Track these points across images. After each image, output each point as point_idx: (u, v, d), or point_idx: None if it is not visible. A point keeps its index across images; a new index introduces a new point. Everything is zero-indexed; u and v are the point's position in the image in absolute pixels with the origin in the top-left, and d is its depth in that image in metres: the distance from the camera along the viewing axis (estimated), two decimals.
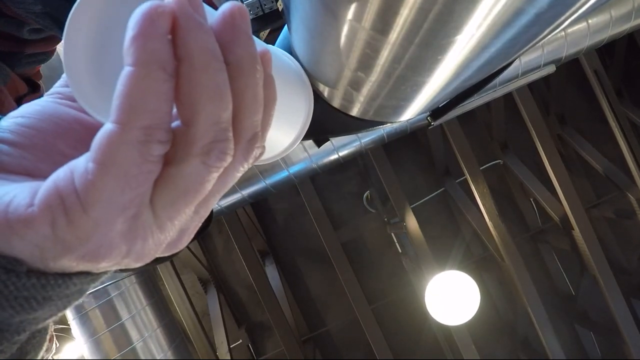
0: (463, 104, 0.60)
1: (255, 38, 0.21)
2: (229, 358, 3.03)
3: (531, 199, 3.75)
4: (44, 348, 0.21)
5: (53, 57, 0.55)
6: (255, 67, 0.19)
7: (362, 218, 3.95)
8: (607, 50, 3.48)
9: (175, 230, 0.20)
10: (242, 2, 1.44)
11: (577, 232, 2.59)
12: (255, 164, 0.22)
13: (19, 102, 0.49)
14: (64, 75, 0.24)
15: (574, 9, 0.25)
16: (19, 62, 0.49)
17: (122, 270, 0.22)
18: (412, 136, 3.80)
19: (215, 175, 0.19)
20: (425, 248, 2.73)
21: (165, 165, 0.18)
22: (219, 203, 1.94)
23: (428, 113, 0.56)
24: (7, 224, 0.16)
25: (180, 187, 0.18)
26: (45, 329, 0.20)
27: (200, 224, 0.22)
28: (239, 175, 0.21)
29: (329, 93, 0.44)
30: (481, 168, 2.76)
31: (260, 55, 0.20)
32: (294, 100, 0.38)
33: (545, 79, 2.12)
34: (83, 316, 1.88)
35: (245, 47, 0.18)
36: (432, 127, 2.62)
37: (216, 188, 0.20)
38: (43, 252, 0.16)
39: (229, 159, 0.19)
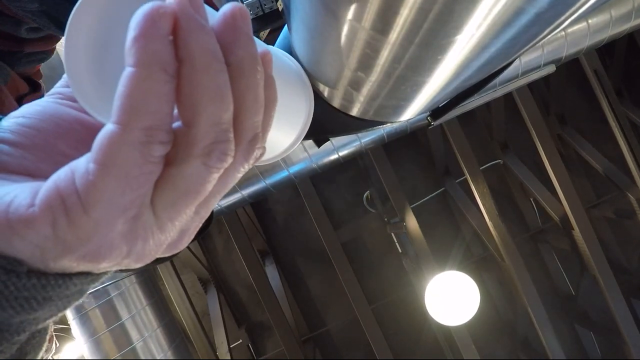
0: (463, 104, 0.60)
1: (255, 39, 0.21)
2: (229, 358, 3.03)
3: (531, 199, 3.75)
4: (44, 348, 0.21)
5: (53, 57, 0.55)
6: (256, 68, 0.19)
7: (362, 218, 3.95)
8: (607, 50, 3.48)
9: (176, 230, 0.20)
10: (242, 2, 1.44)
11: (577, 232, 2.59)
12: (256, 164, 0.22)
13: (20, 101, 0.49)
14: (64, 76, 0.24)
15: (574, 8, 0.25)
16: (18, 61, 0.49)
17: (122, 270, 0.22)
18: (412, 136, 3.80)
19: (216, 176, 0.19)
20: (425, 248, 2.73)
21: (166, 166, 0.18)
22: (219, 203, 1.94)
23: (428, 113, 0.56)
24: (8, 224, 0.16)
25: (181, 187, 0.18)
26: (45, 329, 0.20)
27: (200, 225, 0.22)
28: (239, 176, 0.21)
29: (329, 93, 0.44)
30: (481, 168, 2.76)
31: (261, 56, 0.20)
32: (295, 101, 0.38)
33: (545, 79, 2.12)
34: (83, 316, 1.88)
35: (246, 48, 0.18)
36: (432, 127, 2.62)
37: (217, 189, 0.20)
38: (43, 252, 0.16)
39: (230, 160, 0.19)
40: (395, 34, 0.27)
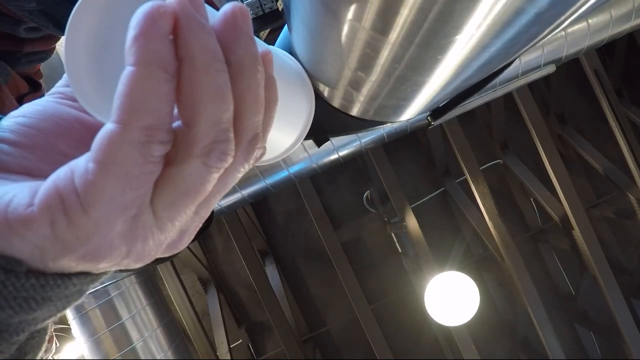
0: (463, 103, 0.60)
1: (256, 39, 0.21)
2: (229, 358, 3.03)
3: (531, 199, 3.75)
4: (43, 348, 0.21)
5: (53, 57, 0.55)
6: (257, 68, 0.19)
7: (362, 218, 3.95)
8: (607, 50, 3.48)
9: (176, 230, 0.20)
10: (243, 2, 1.44)
11: (577, 232, 2.59)
12: (256, 164, 0.22)
13: (20, 100, 0.49)
14: (65, 75, 0.24)
15: (574, 8, 0.25)
16: (18, 61, 0.49)
17: (122, 270, 0.22)
18: (412, 136, 3.80)
19: (216, 176, 0.19)
20: (425, 248, 2.73)
21: (166, 165, 0.18)
22: (219, 203, 1.94)
23: (428, 113, 0.56)
24: (7, 223, 0.16)
25: (181, 187, 0.18)
26: (45, 330, 0.20)
27: (200, 225, 0.22)
28: (239, 176, 0.21)
29: (329, 93, 0.44)
30: (481, 168, 2.76)
31: (262, 55, 0.20)
32: (295, 101, 0.38)
33: (545, 78, 2.12)
34: (83, 316, 1.88)
35: (247, 47, 0.18)
36: (432, 127, 2.62)
37: (217, 189, 0.20)
38: (43, 252, 0.16)
39: (230, 160, 0.19)
40: (395, 33, 0.27)
